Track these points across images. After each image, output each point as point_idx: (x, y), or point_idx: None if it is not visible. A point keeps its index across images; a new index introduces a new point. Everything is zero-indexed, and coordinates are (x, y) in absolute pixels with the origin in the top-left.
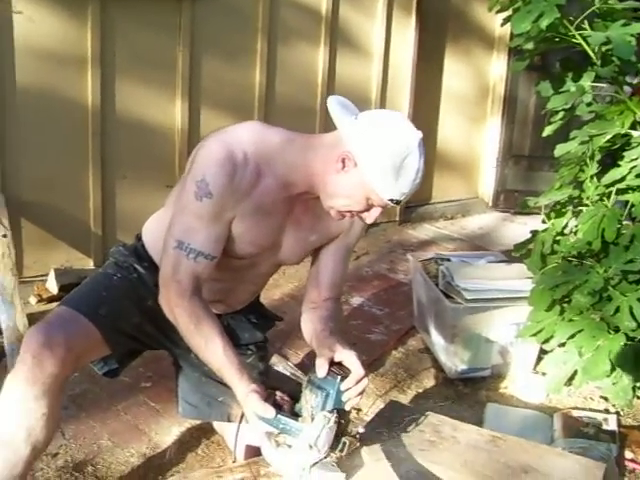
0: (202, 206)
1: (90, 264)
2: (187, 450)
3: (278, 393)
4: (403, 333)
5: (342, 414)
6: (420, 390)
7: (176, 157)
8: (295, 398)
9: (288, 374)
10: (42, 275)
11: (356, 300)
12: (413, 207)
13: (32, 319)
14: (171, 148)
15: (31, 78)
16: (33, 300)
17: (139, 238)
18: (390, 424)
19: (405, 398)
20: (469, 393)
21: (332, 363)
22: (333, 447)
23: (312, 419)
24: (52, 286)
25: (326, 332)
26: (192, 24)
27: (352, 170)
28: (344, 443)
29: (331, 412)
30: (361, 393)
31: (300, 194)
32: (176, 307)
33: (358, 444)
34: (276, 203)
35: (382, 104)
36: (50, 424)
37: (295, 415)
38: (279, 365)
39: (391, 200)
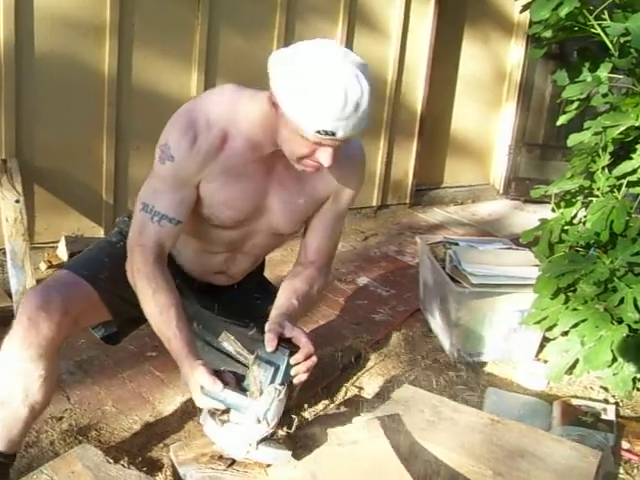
0: (165, 169)
1: (101, 233)
2: (189, 419)
3: (225, 371)
4: (408, 315)
5: (290, 390)
6: (422, 372)
7: None
8: (240, 377)
9: (233, 352)
10: (53, 242)
11: (363, 280)
12: (424, 190)
13: None
14: None
15: (49, 45)
16: (43, 266)
17: None
18: (391, 402)
19: (407, 379)
20: (471, 377)
21: (281, 339)
22: (281, 423)
23: (260, 394)
24: (62, 253)
25: (280, 310)
26: None
27: (280, 111)
28: (292, 419)
29: (281, 385)
30: (309, 369)
31: (273, 153)
32: (137, 271)
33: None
34: (249, 165)
35: (398, 86)
36: (47, 385)
37: (243, 391)
38: (225, 342)
39: (319, 132)
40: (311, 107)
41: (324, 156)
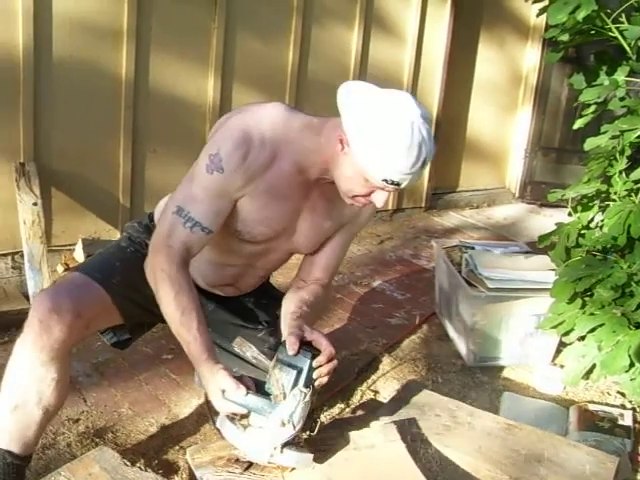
0: (211, 179)
1: (117, 235)
2: (206, 422)
3: (244, 375)
4: (424, 319)
5: (312, 393)
6: (438, 376)
7: (206, 133)
8: (257, 381)
9: (249, 358)
10: (70, 244)
11: (378, 284)
12: (439, 194)
13: None
14: (202, 124)
15: (67, 50)
16: (60, 269)
17: (151, 218)
18: (407, 406)
19: (423, 383)
20: (486, 381)
21: (302, 343)
22: (304, 427)
23: (284, 397)
24: (79, 256)
25: (295, 315)
26: (227, 0)
27: (348, 151)
28: (315, 422)
29: (306, 387)
30: (331, 372)
31: (317, 179)
32: (161, 271)
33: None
34: (292, 187)
35: (414, 89)
36: (60, 388)
37: (264, 395)
38: (241, 348)
39: (386, 181)
40: (386, 160)
41: (380, 198)
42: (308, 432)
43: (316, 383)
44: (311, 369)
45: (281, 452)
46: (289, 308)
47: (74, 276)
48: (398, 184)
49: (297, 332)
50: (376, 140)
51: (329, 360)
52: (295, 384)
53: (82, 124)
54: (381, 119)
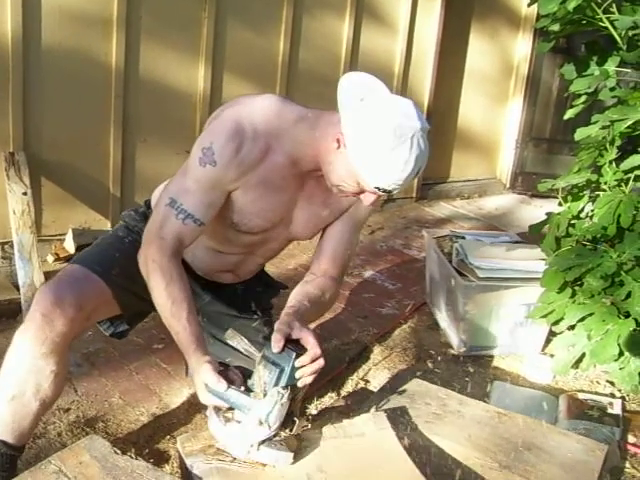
0: (204, 172)
1: (108, 225)
2: (196, 411)
3: (232, 368)
4: (414, 308)
5: (295, 392)
6: (428, 365)
7: (197, 123)
8: (247, 375)
9: (241, 349)
10: (60, 234)
11: (369, 274)
12: (430, 184)
13: (49, 277)
14: (192, 114)
15: (57, 38)
16: (50, 258)
17: (148, 205)
18: (397, 395)
19: (413, 372)
20: (476, 370)
21: (289, 340)
22: (283, 425)
23: (264, 395)
24: (70, 246)
25: (292, 309)
26: None
27: (344, 151)
28: (294, 421)
29: (285, 388)
30: (315, 372)
31: (310, 171)
32: (153, 262)
33: (309, 425)
34: (286, 179)
35: (404, 79)
36: (58, 380)
37: (247, 391)
38: (233, 340)
39: (378, 188)
40: (382, 171)
41: (368, 199)
42: (287, 430)
43: (299, 383)
44: (294, 369)
45: (258, 449)
46: (289, 301)
47: (74, 269)
48: (390, 192)
49: (284, 329)
50: (375, 151)
51: (313, 360)
52: (276, 383)
53: (72, 113)
54: (382, 131)
